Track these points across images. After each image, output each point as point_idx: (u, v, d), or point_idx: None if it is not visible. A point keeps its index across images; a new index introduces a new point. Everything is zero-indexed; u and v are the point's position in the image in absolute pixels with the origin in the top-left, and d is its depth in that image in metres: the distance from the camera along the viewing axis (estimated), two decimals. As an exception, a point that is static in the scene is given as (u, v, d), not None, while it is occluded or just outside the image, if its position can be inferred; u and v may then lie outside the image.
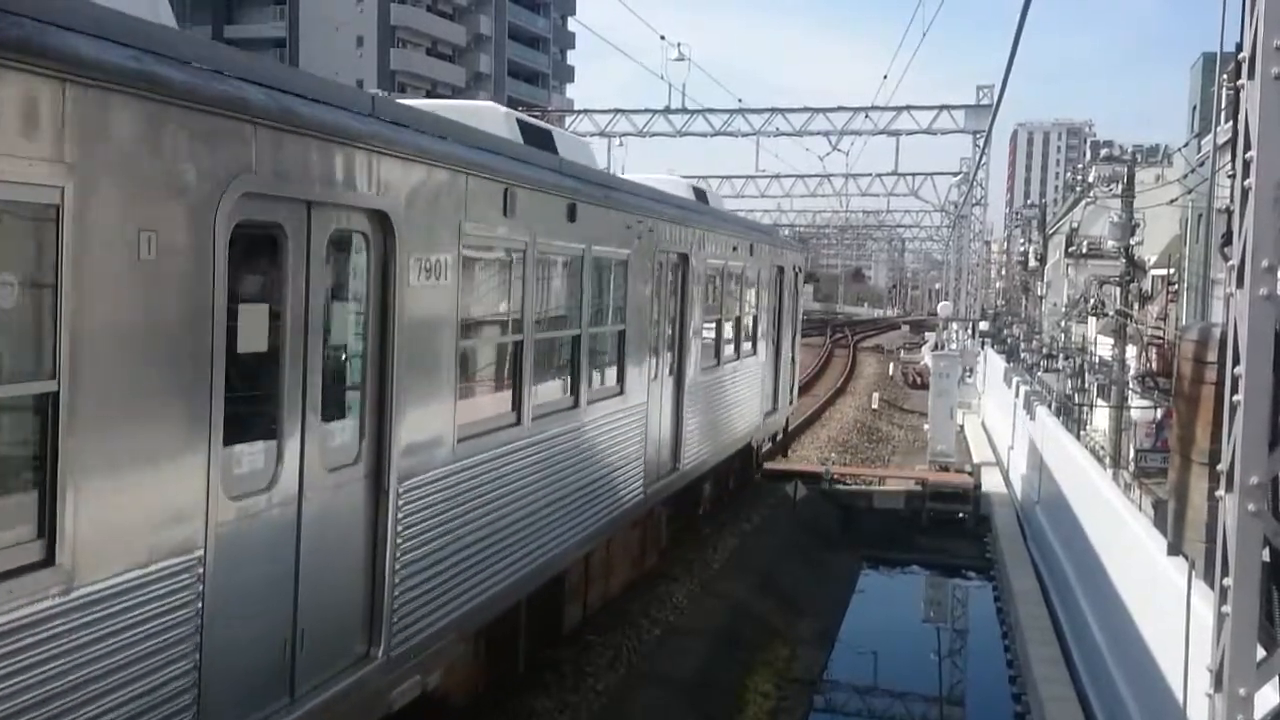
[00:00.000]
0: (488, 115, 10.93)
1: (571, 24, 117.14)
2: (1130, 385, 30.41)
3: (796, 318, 23.29)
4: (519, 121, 11.45)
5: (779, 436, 24.08)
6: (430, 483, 7.85)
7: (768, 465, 25.43)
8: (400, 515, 7.35)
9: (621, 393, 12.18)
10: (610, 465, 11.98)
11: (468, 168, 8.32)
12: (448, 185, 8.04)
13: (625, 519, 12.70)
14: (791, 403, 23.73)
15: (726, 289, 16.74)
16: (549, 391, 10.59)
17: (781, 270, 20.76)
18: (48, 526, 4.80)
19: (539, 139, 11.50)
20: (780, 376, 21.17)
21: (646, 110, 46.53)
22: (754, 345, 18.78)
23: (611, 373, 12.25)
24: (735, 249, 16.73)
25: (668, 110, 46.18)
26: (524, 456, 9.68)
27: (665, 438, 14.06)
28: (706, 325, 15.60)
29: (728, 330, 17.04)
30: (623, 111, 47.10)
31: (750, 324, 18.52)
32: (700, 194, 17.74)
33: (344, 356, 7.10)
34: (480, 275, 9.15)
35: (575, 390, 11.05)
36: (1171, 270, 43.09)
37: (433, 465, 7.86)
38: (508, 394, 9.65)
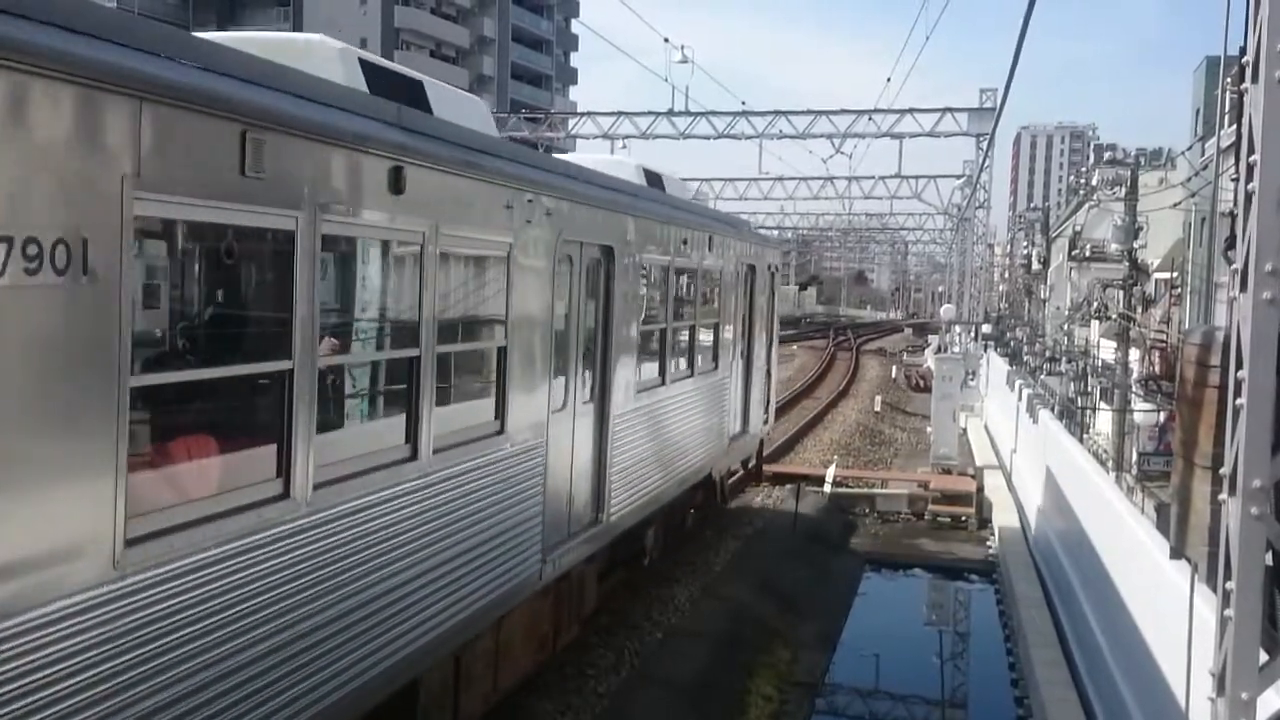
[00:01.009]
0: (318, 50, 8.34)
1: (575, 26, 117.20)
2: (1133, 389, 30.39)
3: (772, 324, 20.13)
4: (363, 62, 8.68)
5: (751, 462, 20.88)
6: None
7: (769, 467, 25.45)
8: None
9: (501, 431, 9.01)
10: (478, 533, 8.68)
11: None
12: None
13: (509, 599, 9.44)
14: (766, 422, 20.40)
15: (677, 292, 14.04)
16: (360, 442, 7.36)
17: (753, 269, 17.99)
18: None
19: (398, 87, 8.79)
20: (751, 393, 18.37)
21: (650, 113, 46.61)
22: (715, 358, 15.92)
23: (482, 407, 9.03)
24: (686, 242, 13.81)
25: (671, 113, 46.26)
26: (295, 546, 6.38)
27: (581, 484, 11.01)
28: (647, 336, 12.76)
29: (679, 341, 14.30)
30: (626, 114, 47.19)
31: (710, 333, 15.77)
32: (654, 177, 14.93)
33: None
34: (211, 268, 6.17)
35: (413, 437, 7.69)
36: (1174, 274, 43.07)
37: None
38: (269, 450, 6.26)
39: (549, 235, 9.74)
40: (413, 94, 8.92)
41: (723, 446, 16.72)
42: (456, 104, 9.83)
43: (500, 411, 9.05)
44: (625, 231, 11.84)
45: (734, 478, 20.39)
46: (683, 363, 14.59)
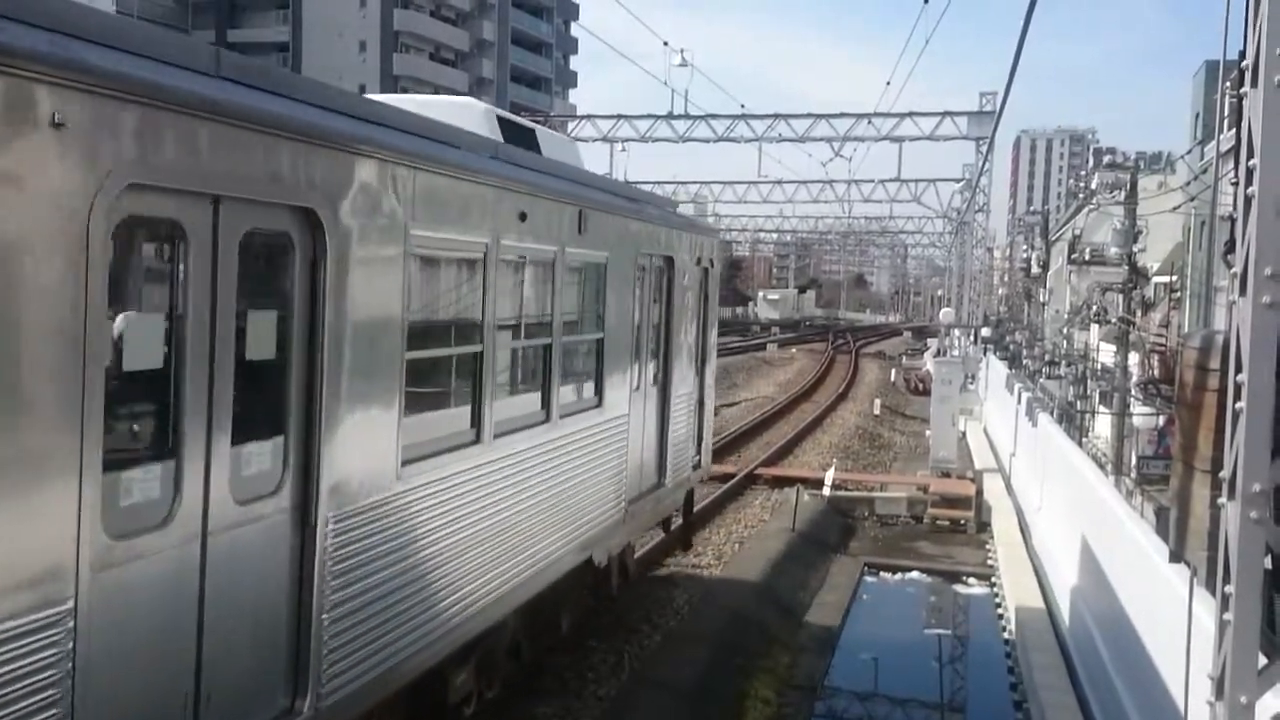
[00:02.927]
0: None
1: (574, 29, 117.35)
2: (1132, 392, 30.41)
3: (705, 338, 15.26)
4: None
5: (672, 523, 15.89)
6: None
7: (767, 471, 25.46)
8: None
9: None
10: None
11: None
12: None
13: None
14: (699, 466, 15.29)
15: (513, 294, 9.36)
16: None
17: (670, 262, 13.28)
18: None
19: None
20: (671, 432, 13.56)
21: (649, 116, 46.71)
22: (599, 390, 11.22)
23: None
24: (525, 217, 9.03)
25: (670, 116, 46.36)
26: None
27: (269, 640, 6.34)
28: (426, 370, 8.08)
29: (517, 371, 9.72)
30: (625, 117, 47.28)
31: (589, 356, 11.17)
32: (518, 129, 10.98)
33: None
34: None
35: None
36: (1174, 277, 43.12)
37: None
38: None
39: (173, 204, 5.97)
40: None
41: (613, 517, 11.68)
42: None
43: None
44: (356, 195, 6.77)
45: (650, 545, 16.37)
46: (525, 404, 9.60)
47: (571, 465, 10.48)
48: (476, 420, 8.65)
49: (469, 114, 10.18)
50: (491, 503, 8.83)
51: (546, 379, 10.01)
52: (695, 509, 16.82)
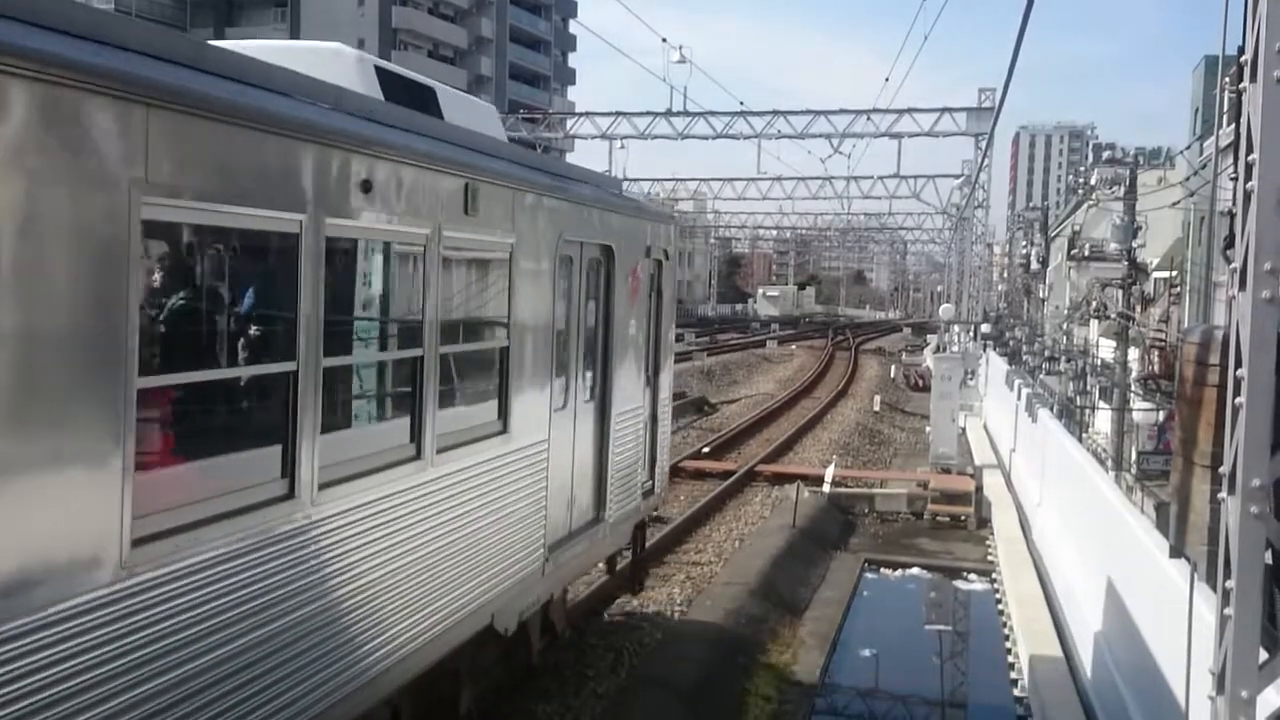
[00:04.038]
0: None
1: (573, 26, 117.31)
2: (1132, 388, 30.42)
3: (659, 344, 13.01)
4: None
5: (618, 562, 13.65)
6: None
7: (765, 467, 25.48)
8: None
9: None
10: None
11: None
12: None
13: None
14: (651, 493, 13.11)
15: (353, 291, 7.45)
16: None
17: (610, 253, 11.17)
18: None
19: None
20: (613, 457, 11.45)
21: (648, 113, 46.68)
22: (503, 411, 8.97)
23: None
24: (369, 187, 6.85)
25: (669, 113, 46.34)
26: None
27: None
28: (189, 396, 5.91)
29: (371, 393, 7.93)
30: (624, 114, 47.26)
31: (493, 368, 8.98)
32: (408, 86, 9.09)
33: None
34: None
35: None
36: (1174, 273, 43.13)
37: None
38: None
39: None
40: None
41: (527, 568, 9.52)
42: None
43: None
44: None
45: (592, 587, 14.30)
46: (376, 440, 7.50)
47: (458, 512, 8.15)
48: (288, 467, 6.25)
49: (336, 63, 8.22)
50: (310, 578, 6.41)
51: (416, 404, 7.59)
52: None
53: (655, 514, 16.07)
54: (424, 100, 9.00)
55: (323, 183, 6.37)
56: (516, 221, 8.98)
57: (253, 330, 6.24)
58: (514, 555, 9.21)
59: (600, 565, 13.64)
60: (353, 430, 7.28)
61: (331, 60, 8.29)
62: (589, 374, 11.00)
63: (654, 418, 13.00)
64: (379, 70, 8.66)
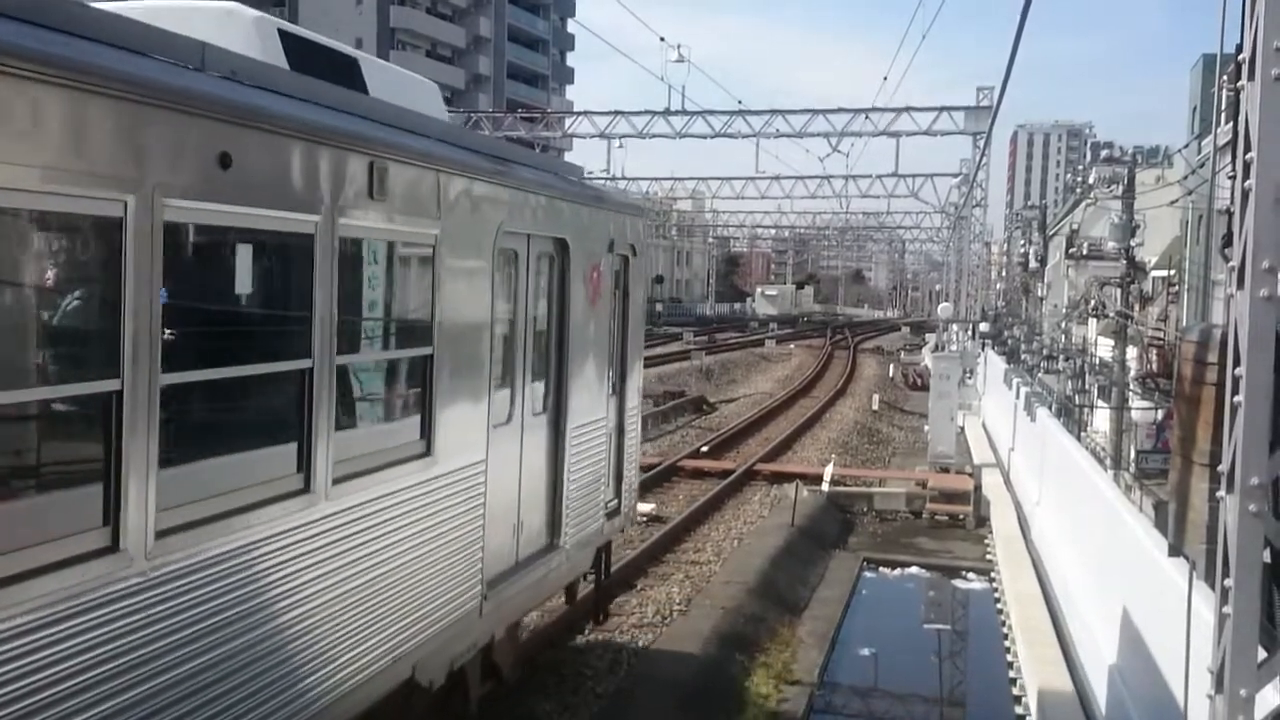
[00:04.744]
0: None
1: (571, 26, 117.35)
2: (1131, 386, 30.43)
3: (627, 345, 11.95)
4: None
5: (587, 582, 12.42)
6: None
7: (764, 466, 25.47)
8: None
9: None
10: None
11: None
12: None
13: None
14: (617, 513, 11.92)
15: (208, 290, 6.13)
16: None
17: (564, 247, 10.04)
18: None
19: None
20: (569, 475, 10.32)
21: (646, 112, 46.70)
22: (426, 431, 7.79)
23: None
24: (229, 162, 5.56)
25: (668, 112, 46.35)
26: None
27: None
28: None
29: (239, 415, 6.35)
30: (622, 113, 47.27)
31: (413, 380, 7.84)
32: (323, 55, 7.99)
33: None
34: None
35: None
36: (1172, 271, 43.15)
37: None
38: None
39: None
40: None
41: (460, 608, 8.33)
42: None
43: None
44: None
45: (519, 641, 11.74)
46: (245, 472, 6.06)
47: (362, 553, 6.93)
48: (110, 514, 5.01)
49: (229, 25, 7.04)
50: (154, 645, 5.20)
51: (304, 427, 6.34)
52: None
53: (650, 523, 15.73)
54: (343, 71, 7.95)
55: (159, 155, 5.15)
56: (443, 209, 7.78)
57: (58, 337, 4.97)
58: (441, 596, 7.98)
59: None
60: (211, 463, 5.84)
61: (224, 21, 7.08)
62: (540, 384, 9.85)
63: (620, 429, 11.84)
64: (284, 35, 7.52)
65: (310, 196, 6.30)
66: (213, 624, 5.60)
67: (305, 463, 6.39)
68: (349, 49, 8.60)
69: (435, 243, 7.70)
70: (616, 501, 11.84)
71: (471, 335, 8.35)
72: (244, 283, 6.30)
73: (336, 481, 6.62)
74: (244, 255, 6.18)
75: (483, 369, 8.54)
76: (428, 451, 7.73)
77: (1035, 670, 13.27)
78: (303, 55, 7.50)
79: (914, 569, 20.03)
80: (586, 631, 13.39)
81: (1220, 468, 5.31)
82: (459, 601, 8.28)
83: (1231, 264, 5.28)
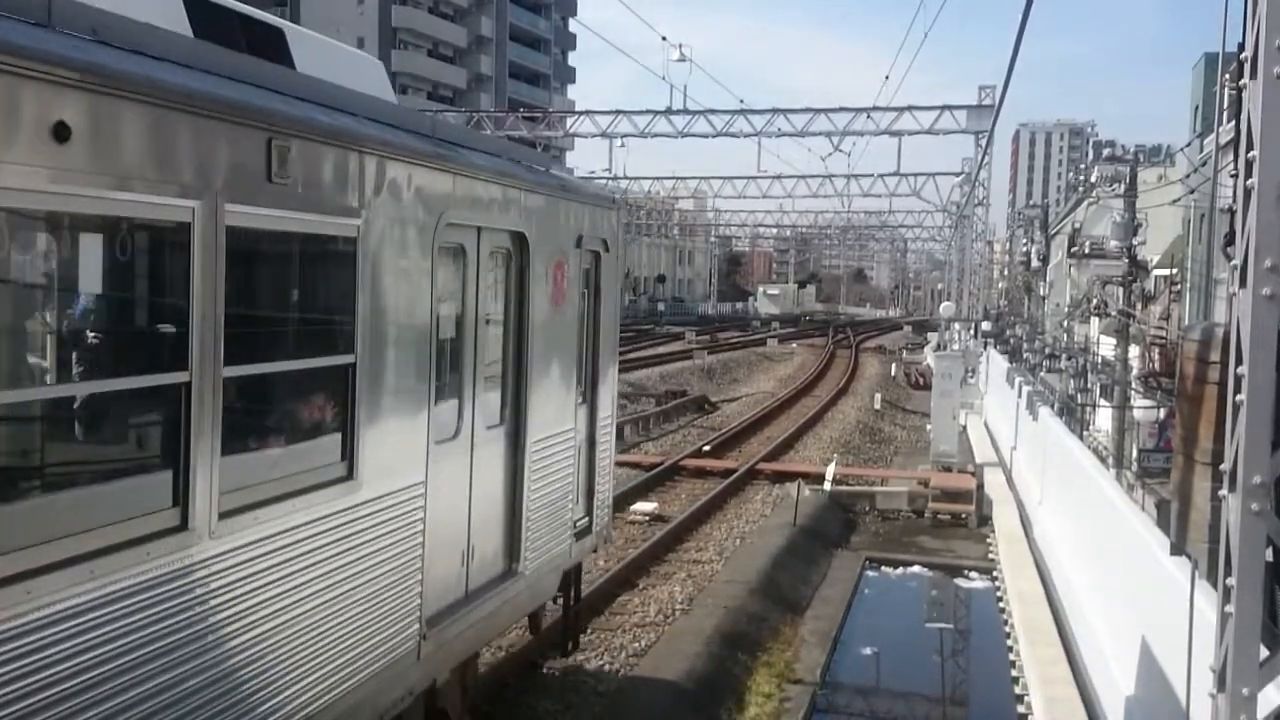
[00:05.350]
0: None
1: (572, 25, 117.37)
2: (1133, 385, 30.41)
3: (598, 350, 11.00)
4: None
5: (543, 617, 11.17)
6: None
7: (766, 465, 25.47)
8: None
9: None
10: None
11: None
12: None
13: None
14: (589, 531, 10.98)
15: (42, 289, 5.14)
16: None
17: (523, 242, 9.03)
18: None
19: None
20: (530, 494, 9.35)
21: (648, 111, 46.72)
22: (348, 451, 6.75)
23: None
24: (66, 135, 4.60)
25: (669, 111, 46.38)
26: None
27: None
28: None
29: (85, 441, 5.41)
30: (624, 113, 47.28)
31: (329, 395, 6.72)
32: (240, 24, 7.13)
33: None
34: None
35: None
36: (1174, 270, 43.11)
37: None
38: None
39: None
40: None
41: (392, 653, 7.31)
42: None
43: None
44: None
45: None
46: (143, 497, 5.28)
47: (260, 598, 5.90)
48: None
49: None
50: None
51: (179, 452, 5.33)
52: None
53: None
54: (264, 43, 7.07)
55: None
56: (367, 196, 6.74)
57: None
58: (366, 641, 6.94)
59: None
60: (54, 500, 4.92)
61: None
62: (495, 394, 8.91)
63: (591, 441, 10.89)
64: (191, 2, 6.59)
65: (183, 178, 5.23)
66: (63, 683, 4.67)
67: (181, 495, 5.33)
68: (277, 20, 7.70)
69: (358, 235, 6.65)
70: (587, 520, 10.85)
71: (406, 341, 7.33)
72: (91, 283, 5.32)
73: (226, 515, 5.58)
74: (90, 249, 5.24)
75: (421, 379, 7.53)
76: (350, 475, 6.70)
77: (1037, 669, 13.25)
78: (211, 22, 6.63)
79: (916, 568, 20.02)
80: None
81: (1222, 466, 5.31)
82: (390, 644, 7.24)
83: (1234, 263, 5.28)
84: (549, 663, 12.24)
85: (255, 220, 5.77)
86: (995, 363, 37.97)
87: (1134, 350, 31.86)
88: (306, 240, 6.46)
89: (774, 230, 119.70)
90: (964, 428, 31.97)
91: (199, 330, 5.37)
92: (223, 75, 5.72)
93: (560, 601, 11.11)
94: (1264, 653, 5.26)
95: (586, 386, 10.75)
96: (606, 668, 12.40)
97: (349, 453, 6.69)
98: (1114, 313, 32.66)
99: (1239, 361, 5.15)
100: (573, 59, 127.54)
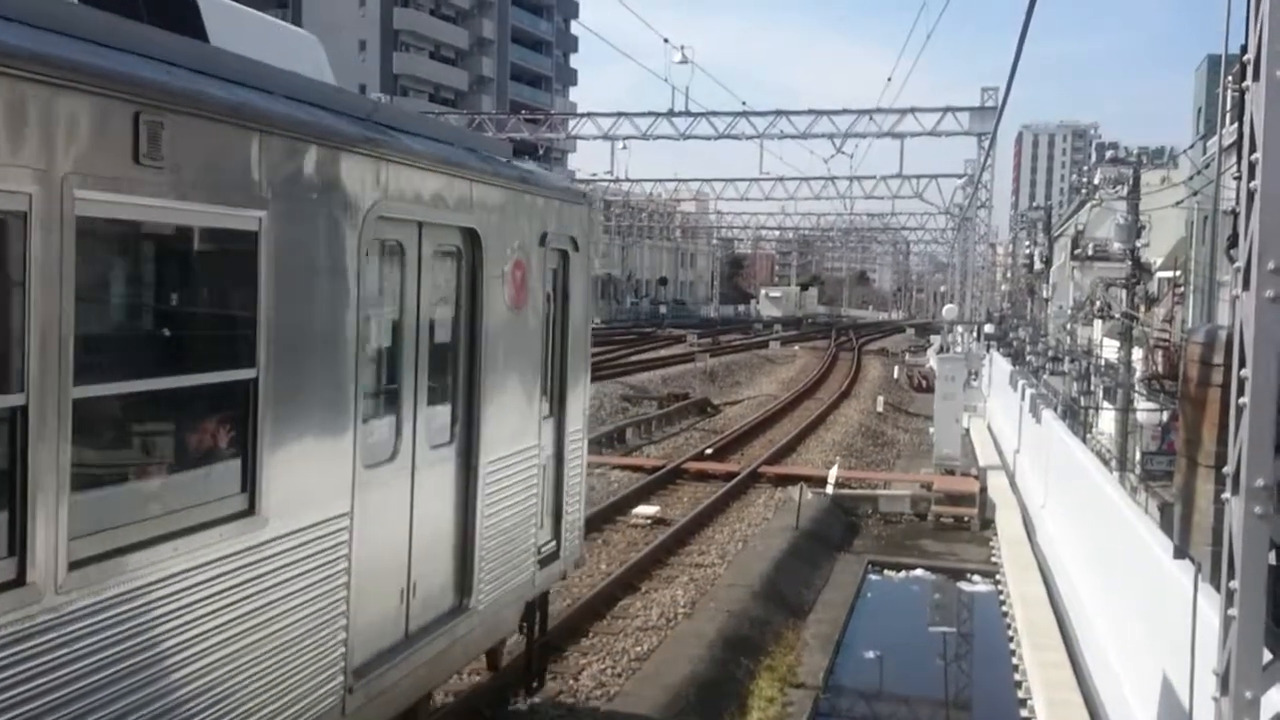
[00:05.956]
0: None
1: (574, 27, 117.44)
2: (1136, 388, 30.38)
3: (566, 359, 10.11)
4: None
5: (502, 653, 10.18)
6: None
7: (768, 468, 25.46)
8: None
9: None
10: None
11: None
12: None
13: None
14: (559, 554, 10.16)
15: None
16: None
17: (476, 240, 8.18)
18: None
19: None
20: (484, 519, 8.48)
21: (650, 113, 46.64)
22: (249, 482, 5.78)
23: None
24: None
25: (671, 113, 46.29)
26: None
27: None
28: None
29: None
30: (626, 115, 47.21)
31: (226, 417, 5.76)
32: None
33: None
34: None
35: None
36: (1177, 272, 43.11)
37: None
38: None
39: None
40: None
41: (310, 712, 6.43)
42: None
43: None
44: None
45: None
46: None
47: (130, 662, 4.98)
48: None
49: None
50: None
51: (13, 490, 4.48)
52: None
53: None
54: (170, 14, 6.21)
55: None
56: (271, 183, 5.79)
57: None
58: (274, 702, 5.99)
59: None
60: None
61: None
62: (442, 409, 8.01)
63: (559, 458, 9.97)
64: None
65: (16, 158, 4.35)
66: None
67: (18, 543, 4.46)
68: None
69: (260, 229, 5.70)
70: (554, 544, 9.89)
71: (324, 352, 6.37)
72: None
73: (77, 565, 4.69)
74: None
75: (344, 395, 6.56)
76: (251, 509, 5.75)
77: (1040, 673, 13.23)
78: None
79: (919, 571, 19.99)
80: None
81: (1226, 469, 5.29)
82: (306, 702, 6.28)
83: (1237, 265, 5.26)
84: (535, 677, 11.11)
85: (117, 210, 4.87)
86: (998, 365, 37.94)
87: (1137, 353, 31.85)
88: (190, 234, 5.53)
89: (776, 232, 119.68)
90: (967, 431, 31.93)
91: (38, 343, 4.45)
92: (80, 38, 4.80)
93: (525, 633, 10.17)
94: (1267, 656, 5.24)
95: (553, 399, 9.88)
96: (609, 669, 12.38)
97: (249, 483, 5.74)
98: (1117, 315, 32.64)
99: (1242, 364, 5.14)
100: (574, 61, 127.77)
